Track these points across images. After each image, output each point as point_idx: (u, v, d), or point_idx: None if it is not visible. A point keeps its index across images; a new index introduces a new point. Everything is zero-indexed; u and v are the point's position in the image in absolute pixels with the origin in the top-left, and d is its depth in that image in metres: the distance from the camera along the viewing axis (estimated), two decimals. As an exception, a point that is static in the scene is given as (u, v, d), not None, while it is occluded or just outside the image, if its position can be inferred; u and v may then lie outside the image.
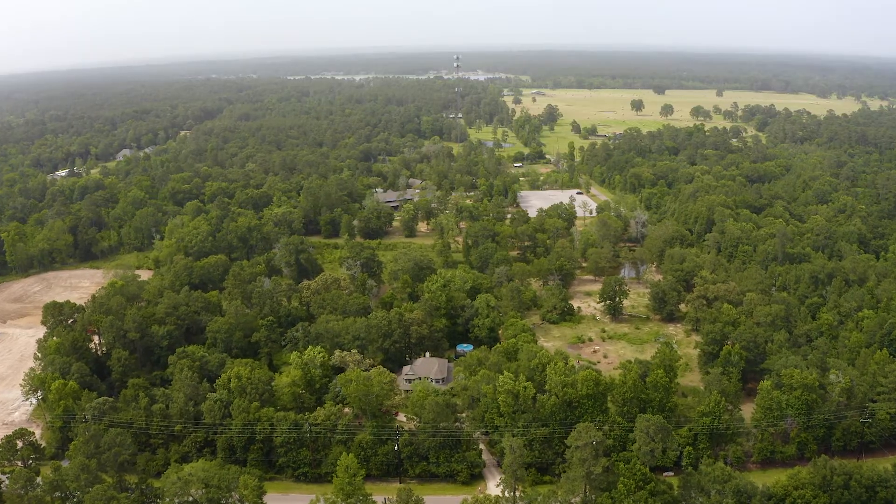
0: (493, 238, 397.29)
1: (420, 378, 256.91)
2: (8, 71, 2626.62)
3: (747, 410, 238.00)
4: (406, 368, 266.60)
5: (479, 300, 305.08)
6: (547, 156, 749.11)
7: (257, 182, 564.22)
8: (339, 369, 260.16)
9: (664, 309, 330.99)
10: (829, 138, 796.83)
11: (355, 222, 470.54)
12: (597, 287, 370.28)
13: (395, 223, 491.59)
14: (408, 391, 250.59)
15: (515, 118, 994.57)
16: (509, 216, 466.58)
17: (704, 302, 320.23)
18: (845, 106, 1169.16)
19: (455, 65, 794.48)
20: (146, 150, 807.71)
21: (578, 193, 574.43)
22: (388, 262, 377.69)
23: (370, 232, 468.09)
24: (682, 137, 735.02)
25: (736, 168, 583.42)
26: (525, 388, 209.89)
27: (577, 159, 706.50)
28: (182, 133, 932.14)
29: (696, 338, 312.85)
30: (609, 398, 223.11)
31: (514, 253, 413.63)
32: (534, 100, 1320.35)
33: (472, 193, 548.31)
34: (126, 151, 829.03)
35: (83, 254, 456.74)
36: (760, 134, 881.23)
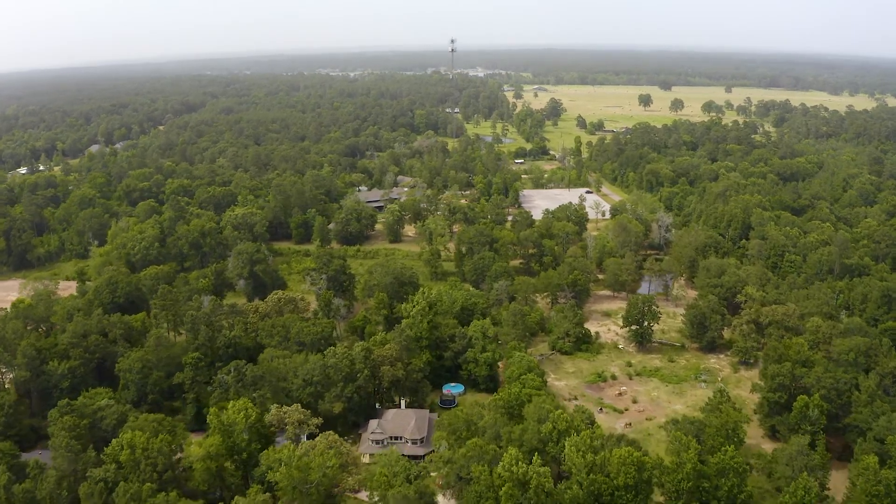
0: (490, 245, 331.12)
1: (391, 439, 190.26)
2: (3, 69, 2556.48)
3: (835, 483, 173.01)
4: (373, 423, 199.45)
5: (472, 327, 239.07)
6: (551, 151, 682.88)
7: (224, 179, 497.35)
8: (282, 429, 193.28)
9: (704, 336, 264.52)
10: (856, 134, 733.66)
11: (331, 226, 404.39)
12: (616, 305, 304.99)
13: (378, 226, 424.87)
14: (371, 462, 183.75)
15: (516, 112, 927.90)
16: (510, 218, 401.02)
17: (754, 327, 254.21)
18: (860, 103, 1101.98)
19: (450, 49, 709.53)
20: (116, 146, 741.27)
21: (588, 192, 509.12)
22: (363, 274, 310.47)
23: (348, 237, 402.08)
24: (700, 132, 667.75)
25: (764, 164, 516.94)
26: (539, 473, 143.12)
27: (585, 155, 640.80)
28: (158, 128, 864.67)
29: (745, 373, 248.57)
30: (656, 485, 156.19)
31: (516, 262, 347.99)
32: (535, 95, 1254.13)
33: (467, 192, 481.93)
34: (94, 147, 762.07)
35: (17, 261, 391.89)
36: (774, 130, 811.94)
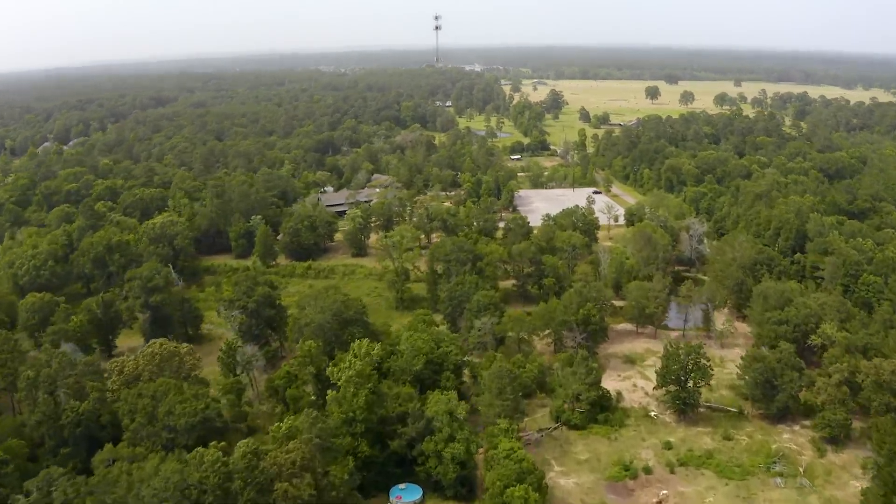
0: (473, 263, 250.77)
1: None
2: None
3: None
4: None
5: (433, 403, 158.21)
6: (552, 146, 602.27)
7: (164, 179, 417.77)
8: None
9: (773, 400, 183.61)
10: (891, 126, 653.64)
11: (280, 236, 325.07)
12: (642, 345, 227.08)
13: (338, 236, 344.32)
14: None
15: (513, 104, 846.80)
16: (503, 225, 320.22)
17: (847, 390, 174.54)
18: (880, 97, 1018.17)
19: (435, 26, 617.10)
20: (67, 144, 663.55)
21: (597, 193, 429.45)
22: (296, 304, 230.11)
23: (299, 250, 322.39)
24: (722, 123, 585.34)
25: (803, 159, 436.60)
26: None
27: (591, 150, 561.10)
28: (116, 123, 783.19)
29: (836, 457, 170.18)
30: None
31: (508, 284, 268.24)
32: (534, 88, 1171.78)
33: (453, 193, 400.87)
34: (46, 144, 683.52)
35: None
36: (798, 123, 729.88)
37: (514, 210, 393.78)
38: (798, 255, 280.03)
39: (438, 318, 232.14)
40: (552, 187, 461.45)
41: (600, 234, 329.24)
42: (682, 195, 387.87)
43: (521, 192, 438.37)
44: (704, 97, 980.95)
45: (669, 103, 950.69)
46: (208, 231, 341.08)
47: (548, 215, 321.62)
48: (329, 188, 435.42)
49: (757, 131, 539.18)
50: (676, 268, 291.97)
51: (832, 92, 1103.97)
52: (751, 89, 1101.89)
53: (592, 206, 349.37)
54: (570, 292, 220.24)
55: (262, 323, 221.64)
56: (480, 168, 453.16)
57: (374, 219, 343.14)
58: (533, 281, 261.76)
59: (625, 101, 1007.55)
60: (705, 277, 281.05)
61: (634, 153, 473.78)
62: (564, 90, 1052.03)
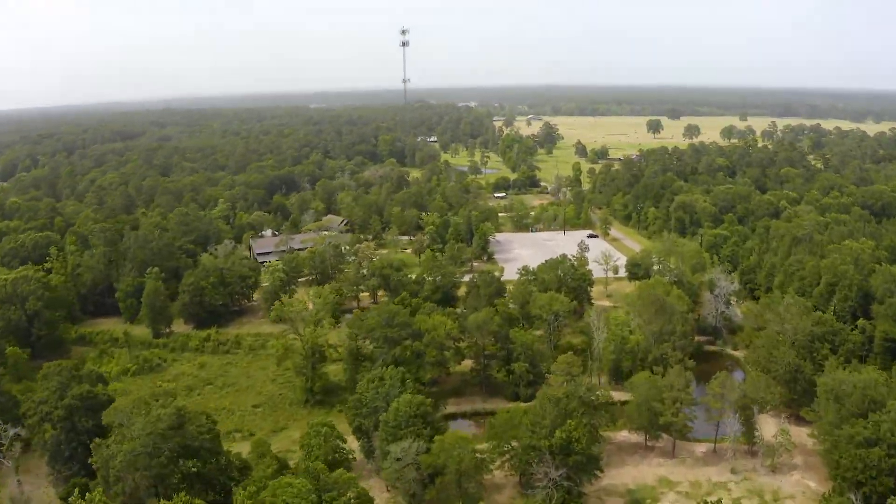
0: (412, 340, 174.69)
1: None
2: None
3: None
4: None
5: None
6: (542, 183, 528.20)
7: (70, 220, 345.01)
8: None
9: None
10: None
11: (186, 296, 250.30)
12: (653, 470, 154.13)
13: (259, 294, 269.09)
14: None
15: (502, 137, 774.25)
16: (469, 279, 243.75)
17: None
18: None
19: (402, 42, 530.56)
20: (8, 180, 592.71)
21: (592, 237, 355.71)
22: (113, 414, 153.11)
23: (203, 313, 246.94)
24: (738, 154, 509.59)
25: (840, 193, 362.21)
26: None
27: (587, 186, 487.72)
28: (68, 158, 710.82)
29: None
30: None
31: (466, 367, 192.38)
32: (529, 123, 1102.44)
33: (414, 238, 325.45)
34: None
35: None
36: (818, 154, 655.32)
37: (489, 259, 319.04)
38: (861, 321, 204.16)
39: (344, 431, 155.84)
40: (540, 230, 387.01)
41: (595, 289, 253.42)
42: (698, 239, 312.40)
43: (501, 237, 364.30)
44: (710, 131, 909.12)
45: (673, 137, 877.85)
46: (95, 287, 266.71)
47: (524, 269, 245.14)
48: (267, 231, 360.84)
49: (779, 163, 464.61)
50: (697, 338, 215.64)
51: (844, 125, 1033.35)
52: (758, 123, 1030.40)
53: (585, 253, 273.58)
54: (542, 397, 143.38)
55: (74, 442, 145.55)
56: (453, 207, 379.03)
57: (306, 272, 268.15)
58: (499, 363, 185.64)
59: (624, 136, 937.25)
60: (737, 354, 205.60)
61: (637, 189, 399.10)
62: (562, 125, 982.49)
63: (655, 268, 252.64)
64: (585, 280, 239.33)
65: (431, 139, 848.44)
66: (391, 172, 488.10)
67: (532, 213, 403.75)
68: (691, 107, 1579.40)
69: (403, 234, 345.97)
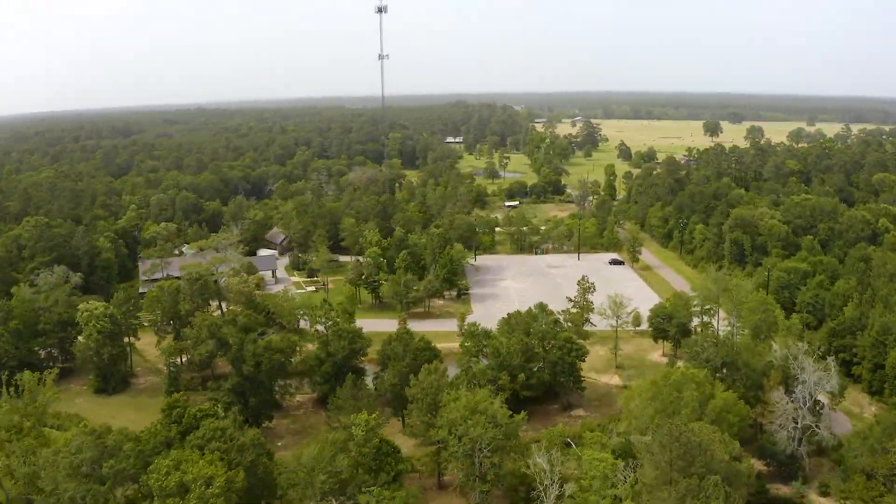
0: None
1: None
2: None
3: None
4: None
5: None
6: (568, 189, 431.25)
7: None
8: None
9: None
10: None
11: None
12: None
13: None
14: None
15: (530, 137, 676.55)
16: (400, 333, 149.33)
17: None
18: None
19: (377, 9, 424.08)
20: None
21: (615, 263, 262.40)
22: None
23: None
24: (813, 157, 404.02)
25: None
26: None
27: (620, 195, 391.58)
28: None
29: None
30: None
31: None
32: (573, 125, 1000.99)
33: (363, 260, 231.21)
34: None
35: None
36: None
37: (461, 295, 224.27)
38: None
39: None
40: (548, 251, 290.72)
41: (600, 351, 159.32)
42: (763, 273, 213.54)
43: (495, 261, 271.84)
44: (775, 135, 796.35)
45: (733, 141, 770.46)
46: None
47: (503, 320, 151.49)
48: (186, 248, 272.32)
49: (868, 167, 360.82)
50: (757, 466, 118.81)
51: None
52: (828, 129, 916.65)
53: (587, 291, 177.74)
54: None
55: None
56: (436, 218, 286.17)
57: (156, 317, 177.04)
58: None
59: (678, 139, 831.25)
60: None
61: (681, 198, 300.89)
62: (610, 128, 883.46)
63: (695, 323, 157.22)
64: (573, 350, 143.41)
65: (456, 139, 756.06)
66: (377, 175, 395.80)
67: (542, 228, 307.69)
68: (754, 111, 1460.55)
69: (359, 254, 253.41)
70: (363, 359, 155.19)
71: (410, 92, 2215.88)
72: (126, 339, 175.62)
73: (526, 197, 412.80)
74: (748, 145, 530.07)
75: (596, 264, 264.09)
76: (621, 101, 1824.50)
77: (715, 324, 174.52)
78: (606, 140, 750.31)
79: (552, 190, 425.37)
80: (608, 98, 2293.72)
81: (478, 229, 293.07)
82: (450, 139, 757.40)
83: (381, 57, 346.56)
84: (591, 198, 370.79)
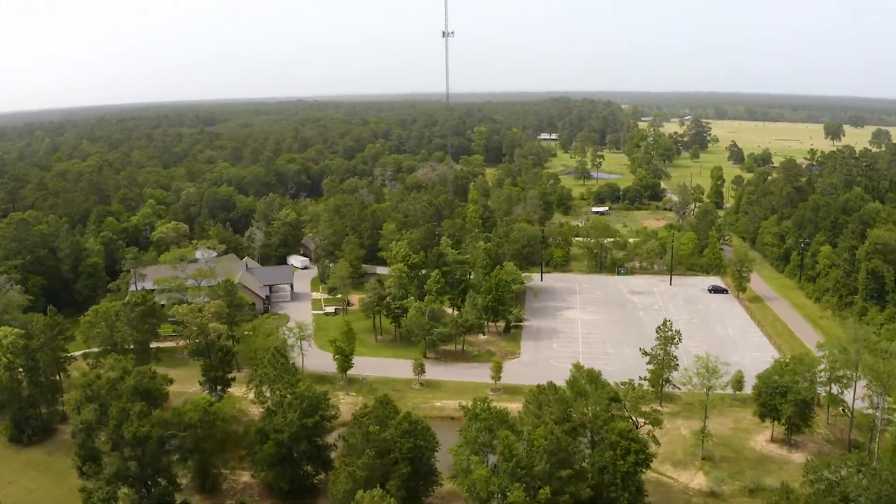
0: None
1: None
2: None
3: None
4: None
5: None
6: (667, 193, 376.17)
7: None
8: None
9: None
10: None
11: None
12: None
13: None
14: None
15: (630, 135, 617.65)
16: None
17: None
18: None
19: (444, 34, 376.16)
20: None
21: (716, 291, 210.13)
22: None
23: None
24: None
25: None
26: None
27: (728, 204, 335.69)
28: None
29: None
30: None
31: None
32: (682, 124, 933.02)
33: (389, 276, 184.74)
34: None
35: None
36: None
37: (509, 329, 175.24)
38: None
39: None
40: (634, 271, 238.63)
41: (682, 432, 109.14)
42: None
43: (565, 281, 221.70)
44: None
45: (856, 145, 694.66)
46: None
47: (536, 389, 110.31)
48: (207, 251, 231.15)
49: None
50: None
51: None
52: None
53: (672, 345, 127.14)
54: None
55: None
56: (499, 225, 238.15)
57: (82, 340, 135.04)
58: None
59: (797, 142, 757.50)
60: None
61: (802, 211, 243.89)
62: (720, 129, 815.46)
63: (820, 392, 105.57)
64: (634, 452, 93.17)
65: (551, 136, 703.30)
66: (446, 173, 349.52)
67: (631, 240, 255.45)
68: (879, 115, 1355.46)
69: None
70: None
71: (513, 89, 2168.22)
72: (56, 376, 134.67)
73: (618, 202, 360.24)
74: (882, 149, 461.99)
75: (691, 291, 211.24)
76: (735, 102, 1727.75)
77: (849, 398, 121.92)
78: (716, 141, 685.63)
79: (649, 194, 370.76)
80: (720, 99, 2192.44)
81: (550, 240, 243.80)
82: (544, 136, 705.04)
83: (445, 34, 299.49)
84: (692, 205, 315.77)
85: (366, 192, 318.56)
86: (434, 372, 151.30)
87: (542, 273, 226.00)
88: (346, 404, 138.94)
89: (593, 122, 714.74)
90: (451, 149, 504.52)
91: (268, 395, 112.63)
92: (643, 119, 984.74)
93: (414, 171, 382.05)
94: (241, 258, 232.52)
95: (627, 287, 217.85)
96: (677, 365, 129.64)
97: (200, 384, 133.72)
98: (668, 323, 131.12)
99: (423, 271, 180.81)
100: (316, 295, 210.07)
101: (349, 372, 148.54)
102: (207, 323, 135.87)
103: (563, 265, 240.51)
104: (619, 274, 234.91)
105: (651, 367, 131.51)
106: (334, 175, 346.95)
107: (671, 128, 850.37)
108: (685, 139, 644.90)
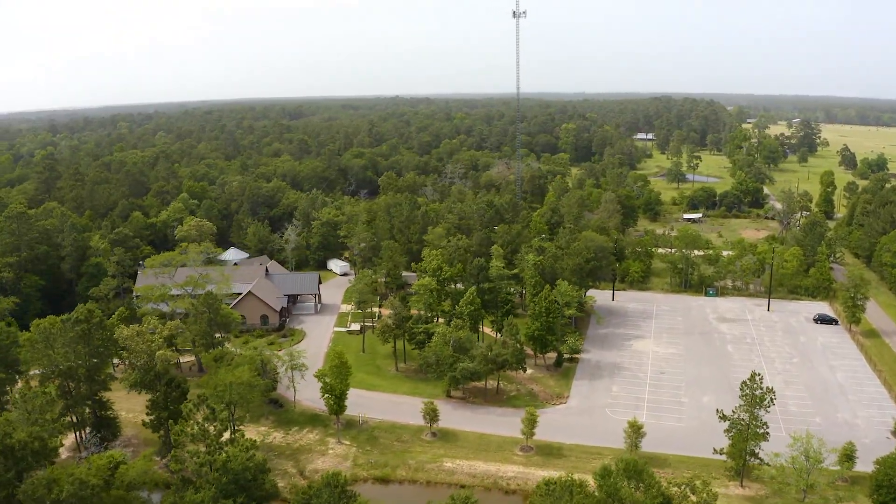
0: None
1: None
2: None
3: None
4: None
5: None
6: (770, 200, 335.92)
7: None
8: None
9: None
10: None
11: None
12: None
13: None
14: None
15: (731, 135, 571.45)
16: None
17: None
18: None
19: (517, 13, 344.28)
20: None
21: (823, 321, 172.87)
22: None
23: None
24: None
25: None
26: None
27: (840, 214, 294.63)
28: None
29: None
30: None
31: None
32: (790, 126, 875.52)
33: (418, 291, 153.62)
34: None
35: None
36: None
37: (563, 363, 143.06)
38: None
39: None
40: (725, 292, 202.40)
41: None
42: None
43: (638, 303, 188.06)
44: None
45: None
46: None
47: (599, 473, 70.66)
48: (233, 255, 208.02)
49: None
50: None
51: None
52: None
53: (760, 408, 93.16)
54: None
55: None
56: (561, 233, 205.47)
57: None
58: None
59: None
60: None
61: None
62: (831, 133, 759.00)
63: None
64: None
65: (648, 136, 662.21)
66: (522, 170, 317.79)
67: (724, 254, 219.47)
68: None
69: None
70: None
71: (609, 90, 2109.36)
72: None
73: (713, 208, 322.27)
74: None
75: (793, 321, 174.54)
76: (845, 105, 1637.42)
77: None
78: (826, 144, 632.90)
79: (749, 201, 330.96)
80: (830, 102, 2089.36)
81: (627, 251, 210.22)
82: (640, 135, 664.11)
83: (516, 14, 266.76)
84: (797, 215, 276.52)
85: (430, 191, 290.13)
86: (454, 417, 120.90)
87: (613, 291, 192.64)
88: (334, 458, 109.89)
89: (693, 121, 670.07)
90: (538, 146, 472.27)
91: (187, 457, 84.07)
92: (748, 121, 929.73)
93: (487, 170, 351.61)
94: (275, 261, 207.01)
95: (715, 312, 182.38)
96: (767, 434, 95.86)
97: (144, 425, 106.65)
98: (756, 378, 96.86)
99: (461, 286, 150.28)
100: (346, 307, 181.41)
101: (350, 411, 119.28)
102: (156, 349, 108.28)
103: (641, 281, 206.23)
104: (706, 295, 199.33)
105: (733, 432, 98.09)
106: (392, 171, 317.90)
107: (777, 130, 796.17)
108: (792, 141, 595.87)
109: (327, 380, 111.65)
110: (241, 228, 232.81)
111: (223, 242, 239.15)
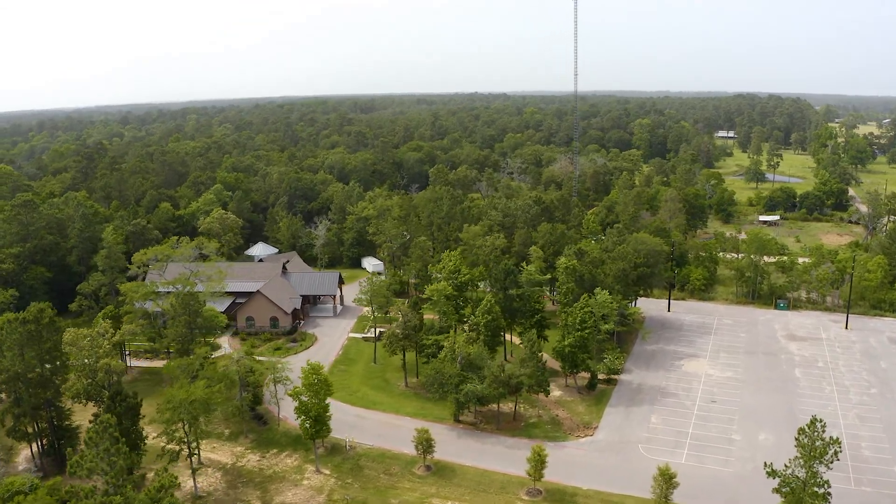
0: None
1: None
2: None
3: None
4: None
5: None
6: (856, 203, 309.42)
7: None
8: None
9: None
10: None
11: None
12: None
13: None
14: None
15: (817, 131, 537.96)
16: None
17: None
18: None
19: None
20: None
21: None
22: None
23: None
24: None
25: None
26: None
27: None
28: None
29: None
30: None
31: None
32: (880, 126, 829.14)
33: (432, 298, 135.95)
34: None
35: None
36: None
37: (597, 385, 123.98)
38: None
39: None
40: (799, 304, 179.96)
41: None
42: None
43: (695, 315, 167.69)
44: None
45: None
46: None
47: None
48: (261, 249, 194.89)
49: None
50: None
51: None
52: None
53: (822, 463, 72.87)
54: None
55: None
56: (608, 233, 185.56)
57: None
58: None
59: None
60: None
61: None
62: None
63: None
64: None
65: (729, 134, 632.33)
66: (585, 165, 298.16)
67: (800, 261, 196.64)
68: None
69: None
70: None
71: (692, 88, 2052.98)
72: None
73: (793, 210, 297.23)
74: None
75: (874, 341, 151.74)
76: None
77: None
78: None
79: (832, 203, 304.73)
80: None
81: (689, 256, 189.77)
82: (721, 133, 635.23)
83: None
84: (885, 219, 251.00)
85: (484, 186, 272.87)
86: (456, 448, 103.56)
87: (669, 301, 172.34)
88: (307, 490, 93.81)
89: (777, 118, 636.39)
90: (610, 142, 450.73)
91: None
92: (836, 120, 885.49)
93: (550, 165, 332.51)
94: (304, 258, 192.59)
95: (785, 328, 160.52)
96: (829, 495, 75.68)
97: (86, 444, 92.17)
98: (818, 424, 76.69)
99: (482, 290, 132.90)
100: (369, 310, 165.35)
101: (344, 433, 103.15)
102: (101, 357, 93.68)
103: (703, 290, 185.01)
104: (776, 307, 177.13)
105: (785, 490, 78.17)
106: (445, 164, 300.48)
107: (867, 130, 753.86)
108: (882, 141, 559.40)
109: (303, 398, 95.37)
110: (275, 222, 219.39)
111: (256, 236, 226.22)
